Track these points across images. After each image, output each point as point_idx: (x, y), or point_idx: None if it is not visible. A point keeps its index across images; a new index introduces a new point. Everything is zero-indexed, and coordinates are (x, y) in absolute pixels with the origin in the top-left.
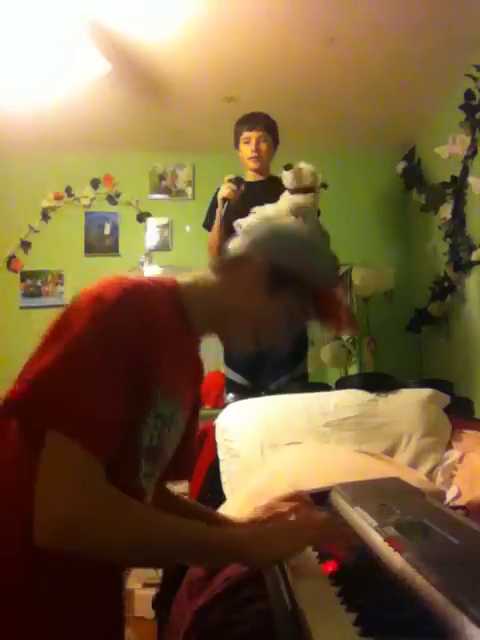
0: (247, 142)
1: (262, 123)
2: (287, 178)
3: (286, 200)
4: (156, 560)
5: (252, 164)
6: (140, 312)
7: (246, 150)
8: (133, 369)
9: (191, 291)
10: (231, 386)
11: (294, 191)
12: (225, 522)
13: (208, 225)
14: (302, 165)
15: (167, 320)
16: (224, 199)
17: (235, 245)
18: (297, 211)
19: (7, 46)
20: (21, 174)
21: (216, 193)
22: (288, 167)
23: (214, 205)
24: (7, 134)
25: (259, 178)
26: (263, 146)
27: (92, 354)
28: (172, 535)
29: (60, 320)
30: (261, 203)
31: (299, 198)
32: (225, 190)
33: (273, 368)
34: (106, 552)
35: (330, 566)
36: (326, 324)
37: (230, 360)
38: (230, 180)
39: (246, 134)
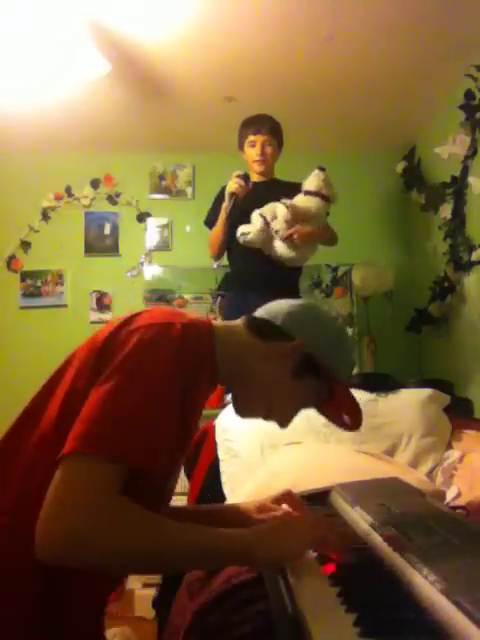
0: (253, 145)
1: (268, 127)
2: (319, 177)
3: (306, 201)
4: (160, 568)
5: (257, 167)
6: (198, 357)
7: (252, 153)
8: (181, 408)
9: (225, 340)
10: None
11: (312, 193)
12: (228, 513)
13: (210, 222)
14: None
15: (207, 366)
16: (232, 194)
17: (278, 314)
18: (307, 213)
19: (7, 46)
20: (21, 174)
21: (221, 190)
22: (323, 169)
23: (218, 202)
24: (7, 134)
25: (263, 179)
26: (268, 149)
27: (163, 399)
28: (175, 542)
29: (117, 351)
30: (264, 203)
31: (311, 199)
32: (233, 185)
33: None
34: (112, 561)
35: (330, 567)
36: (334, 416)
37: None
38: (238, 176)
39: (252, 137)
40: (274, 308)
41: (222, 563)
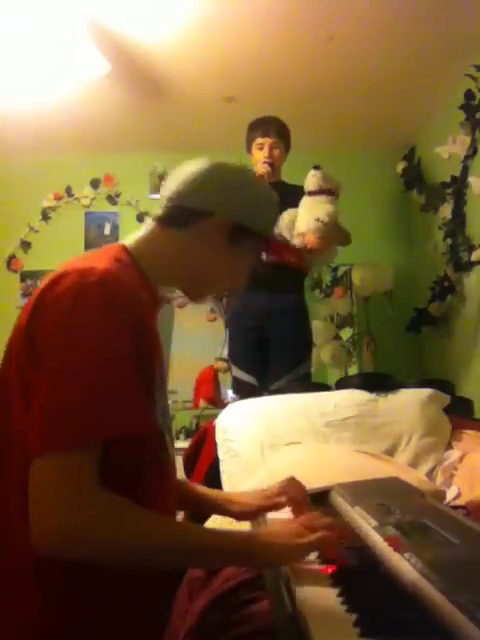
0: (260, 148)
1: (276, 129)
2: (315, 176)
3: (316, 204)
4: (157, 564)
5: (265, 169)
6: (128, 304)
7: (259, 155)
8: (138, 360)
9: (147, 253)
10: (237, 384)
11: (316, 193)
12: (224, 501)
13: None
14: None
15: (143, 296)
16: (260, 177)
17: (184, 196)
18: (333, 221)
19: (7, 46)
20: (21, 174)
21: None
22: (317, 167)
23: None
24: (7, 134)
25: (270, 181)
26: (276, 152)
27: (111, 358)
28: (172, 538)
29: (45, 328)
30: None
31: (330, 209)
32: (261, 168)
33: (278, 367)
34: (106, 556)
35: (330, 568)
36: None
37: (236, 358)
38: (265, 162)
39: (260, 140)
40: (175, 189)
41: (218, 562)
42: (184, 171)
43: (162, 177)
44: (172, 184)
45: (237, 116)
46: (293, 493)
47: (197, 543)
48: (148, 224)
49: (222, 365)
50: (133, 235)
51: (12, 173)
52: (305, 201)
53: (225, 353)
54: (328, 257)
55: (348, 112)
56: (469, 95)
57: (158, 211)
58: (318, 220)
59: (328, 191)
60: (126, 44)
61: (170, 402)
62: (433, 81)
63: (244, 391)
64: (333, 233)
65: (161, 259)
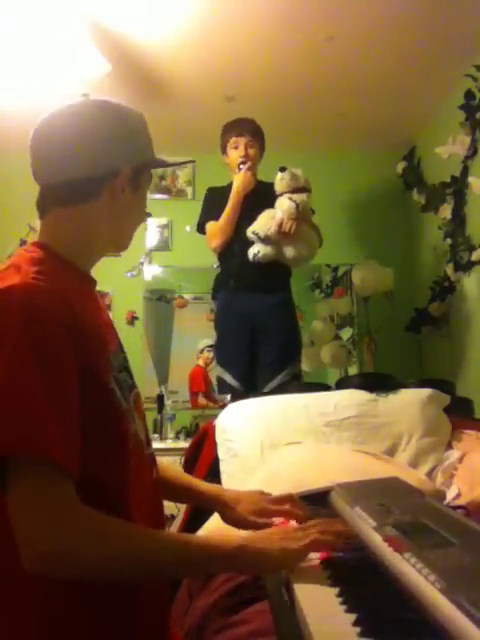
0: (236, 147)
1: (249, 129)
2: (284, 179)
3: (287, 200)
4: (147, 576)
5: (244, 164)
6: (52, 305)
7: (235, 155)
8: (79, 362)
9: (64, 238)
10: (222, 386)
11: (286, 193)
12: (223, 507)
13: (203, 223)
14: (292, 169)
15: (71, 289)
16: (243, 161)
17: (63, 170)
18: (305, 208)
19: (7, 46)
20: (21, 174)
21: (208, 192)
22: (283, 169)
23: (208, 203)
24: (7, 134)
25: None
26: (251, 151)
27: (33, 368)
28: (161, 552)
29: None
30: (251, 205)
31: (302, 196)
32: (243, 176)
33: (266, 370)
34: (98, 574)
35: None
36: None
37: (223, 359)
38: (241, 160)
39: (234, 140)
40: (56, 164)
41: (211, 571)
42: (48, 140)
43: (162, 177)
44: (45, 161)
45: (237, 116)
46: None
47: (187, 556)
48: (50, 211)
49: (207, 357)
50: (42, 228)
51: (12, 173)
52: (279, 201)
53: (207, 344)
54: (305, 248)
55: (348, 112)
56: (469, 95)
57: (48, 194)
58: (291, 199)
59: (301, 189)
60: (126, 44)
61: (170, 402)
62: (433, 81)
63: (225, 392)
64: (306, 216)
65: (80, 239)
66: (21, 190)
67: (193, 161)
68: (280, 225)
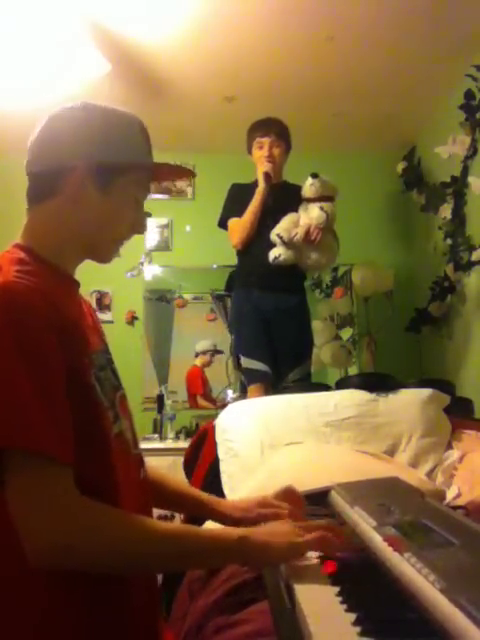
0: (260, 147)
1: (275, 129)
2: (314, 185)
3: (317, 209)
4: (152, 567)
5: (265, 166)
6: (34, 302)
7: (259, 154)
8: (63, 359)
9: (39, 238)
10: (252, 375)
11: (314, 199)
12: (224, 507)
13: (225, 219)
14: (323, 177)
15: (52, 288)
16: (266, 174)
17: (35, 160)
18: (332, 218)
19: (7, 46)
20: (21, 174)
21: (232, 188)
22: (315, 175)
23: (231, 199)
24: (7, 134)
25: (273, 182)
26: (276, 151)
27: (17, 362)
28: (166, 542)
29: None
30: (276, 206)
31: (331, 206)
32: (266, 165)
33: (281, 365)
34: (102, 564)
35: (330, 567)
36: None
37: (247, 349)
38: (266, 159)
39: (260, 139)
40: (27, 160)
41: (210, 562)
42: (33, 138)
43: None
44: (28, 158)
45: (237, 116)
46: (291, 504)
47: (191, 546)
48: (28, 210)
49: (204, 359)
50: (22, 228)
51: (12, 173)
52: (308, 208)
53: (205, 347)
54: (326, 257)
55: (348, 112)
56: (469, 95)
57: (27, 192)
58: (322, 209)
59: (327, 198)
60: (126, 44)
61: (170, 402)
62: (433, 81)
63: (257, 380)
64: (332, 226)
65: (52, 239)
66: (21, 190)
67: (192, 172)
68: (307, 232)
